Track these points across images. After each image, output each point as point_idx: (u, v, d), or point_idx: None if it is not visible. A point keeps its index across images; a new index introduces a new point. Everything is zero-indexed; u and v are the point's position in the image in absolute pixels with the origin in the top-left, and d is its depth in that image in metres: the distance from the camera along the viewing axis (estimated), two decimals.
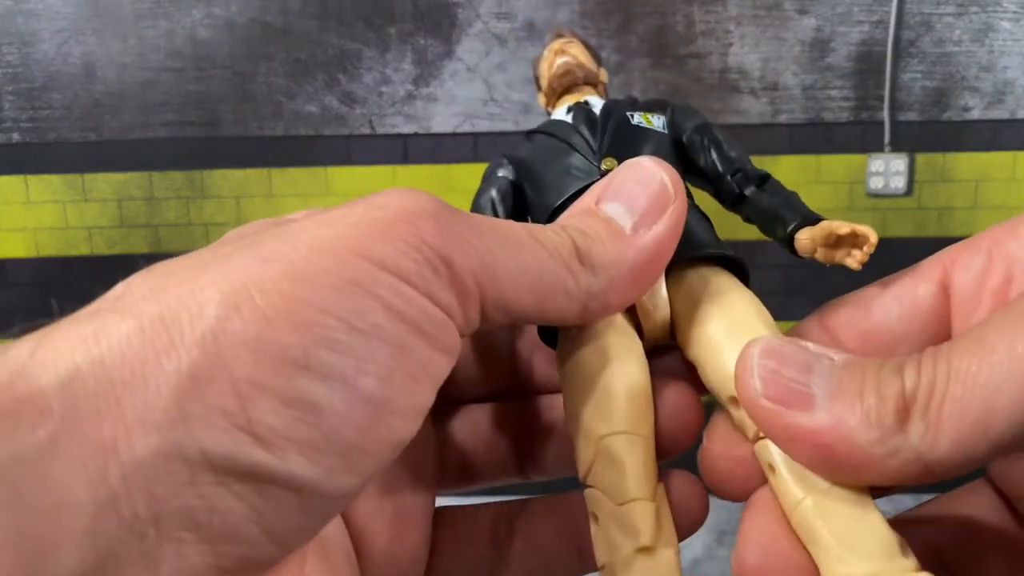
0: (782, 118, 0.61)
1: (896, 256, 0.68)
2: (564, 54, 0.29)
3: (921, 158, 0.62)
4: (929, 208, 0.62)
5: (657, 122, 0.27)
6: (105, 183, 0.64)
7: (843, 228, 0.24)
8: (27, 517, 0.14)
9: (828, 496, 0.21)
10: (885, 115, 0.61)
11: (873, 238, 0.23)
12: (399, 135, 0.62)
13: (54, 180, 0.64)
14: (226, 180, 0.64)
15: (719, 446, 0.23)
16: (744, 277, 0.26)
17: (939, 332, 0.23)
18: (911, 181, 0.62)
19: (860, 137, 0.62)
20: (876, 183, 0.62)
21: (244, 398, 0.16)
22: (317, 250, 0.18)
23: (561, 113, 0.29)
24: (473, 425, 0.28)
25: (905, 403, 0.19)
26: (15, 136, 0.63)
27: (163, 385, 0.16)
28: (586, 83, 0.29)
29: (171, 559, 0.16)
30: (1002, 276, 0.22)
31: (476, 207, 0.27)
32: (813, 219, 0.25)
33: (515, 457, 0.28)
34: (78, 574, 0.15)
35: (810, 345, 0.21)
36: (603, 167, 0.26)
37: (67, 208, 0.64)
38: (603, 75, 0.30)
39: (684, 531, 0.23)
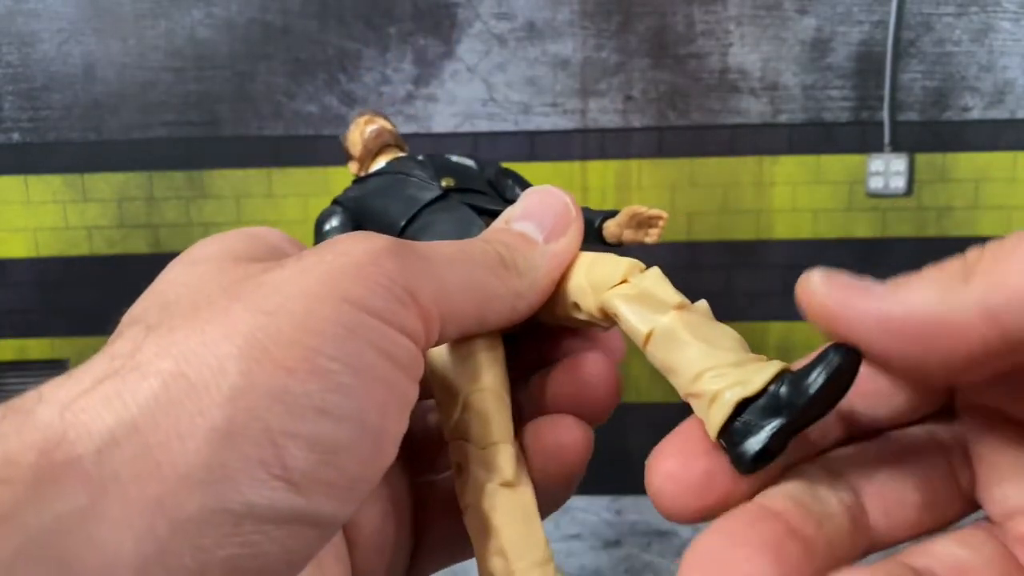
0: (782, 118, 0.61)
1: (896, 256, 0.68)
2: (373, 123, 0.34)
3: (921, 158, 0.62)
4: (929, 208, 0.62)
5: (470, 163, 0.32)
6: (105, 183, 0.64)
7: (646, 211, 0.29)
8: None
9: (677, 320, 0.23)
10: (885, 115, 0.61)
11: (665, 215, 0.28)
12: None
13: (54, 180, 0.64)
14: (226, 180, 0.64)
15: (670, 461, 0.22)
16: None
17: None
18: (911, 181, 0.62)
19: (860, 137, 0.62)
20: (876, 183, 0.62)
21: (279, 448, 0.17)
22: (310, 298, 0.19)
23: (381, 166, 0.33)
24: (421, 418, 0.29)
25: (967, 267, 0.18)
26: (15, 136, 0.63)
27: (201, 443, 0.17)
28: (396, 145, 0.34)
29: None
30: None
31: None
32: (611, 213, 0.30)
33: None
34: None
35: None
36: (444, 184, 0.30)
37: (67, 208, 0.64)
38: (403, 144, 0.35)
39: (600, 408, 0.26)
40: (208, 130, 0.63)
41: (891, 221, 0.63)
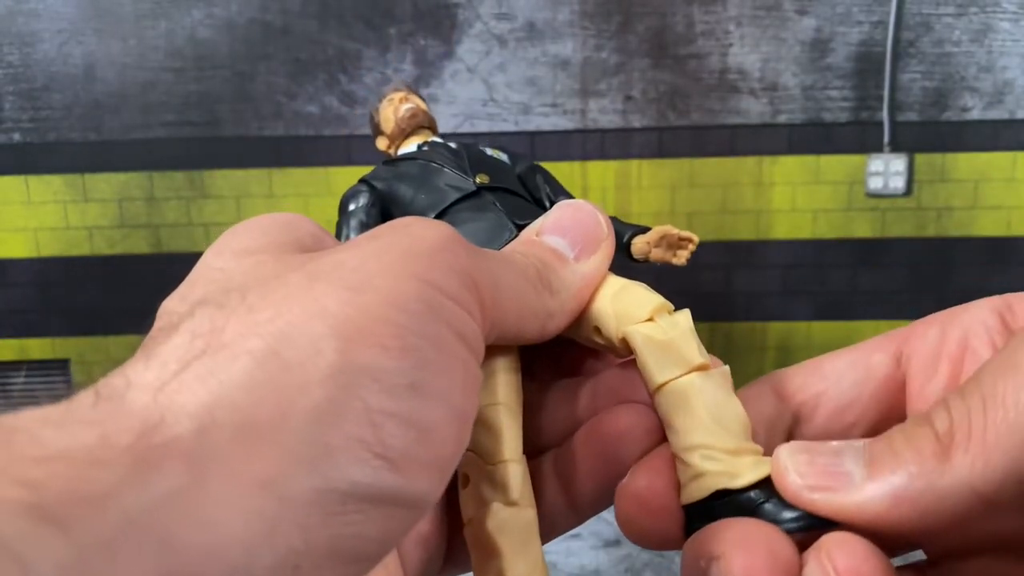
0: (782, 118, 0.61)
1: (896, 256, 0.68)
2: (408, 101, 0.34)
3: (920, 158, 0.62)
4: (928, 208, 0.63)
5: (503, 156, 0.32)
6: (105, 183, 0.64)
7: (678, 232, 0.29)
8: (177, 558, 0.15)
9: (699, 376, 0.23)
10: (884, 115, 0.61)
11: (696, 239, 0.29)
12: None
13: (55, 180, 0.64)
14: (226, 180, 0.64)
15: (639, 486, 0.23)
16: None
17: (891, 400, 0.24)
18: (910, 181, 0.62)
19: (860, 137, 0.62)
20: (876, 183, 0.63)
21: (378, 427, 0.17)
22: (393, 277, 0.19)
23: (412, 149, 0.32)
24: None
25: (941, 445, 0.19)
26: (16, 136, 0.63)
27: (303, 421, 0.17)
28: (428, 127, 0.34)
29: None
30: (957, 342, 0.23)
31: (347, 233, 0.30)
32: (642, 229, 0.30)
33: None
34: None
35: (831, 442, 0.22)
36: (477, 181, 0.29)
37: (68, 208, 0.64)
38: (435, 125, 0.35)
39: None
40: (208, 130, 0.63)
41: (890, 221, 0.63)
